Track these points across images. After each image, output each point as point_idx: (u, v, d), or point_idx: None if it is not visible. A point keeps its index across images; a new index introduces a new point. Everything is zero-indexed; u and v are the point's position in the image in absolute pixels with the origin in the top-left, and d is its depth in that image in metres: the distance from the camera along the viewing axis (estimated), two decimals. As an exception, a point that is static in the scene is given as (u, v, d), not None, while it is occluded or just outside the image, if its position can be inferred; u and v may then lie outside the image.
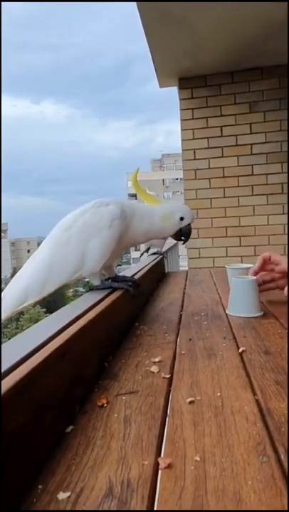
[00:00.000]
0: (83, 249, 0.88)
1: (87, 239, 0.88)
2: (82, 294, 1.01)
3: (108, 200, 0.93)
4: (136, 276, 1.20)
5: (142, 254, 2.12)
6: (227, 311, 1.01)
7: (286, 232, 2.89)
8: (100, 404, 0.53)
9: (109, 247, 0.89)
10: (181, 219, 0.97)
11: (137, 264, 1.63)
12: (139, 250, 2.21)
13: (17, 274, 0.92)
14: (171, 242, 3.36)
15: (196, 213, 1.01)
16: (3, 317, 0.85)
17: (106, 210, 0.90)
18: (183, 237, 1.01)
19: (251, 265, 1.15)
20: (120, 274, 1.30)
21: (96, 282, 0.94)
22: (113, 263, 1.04)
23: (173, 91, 3.14)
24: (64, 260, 0.88)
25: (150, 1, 1.95)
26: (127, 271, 1.37)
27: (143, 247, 2.11)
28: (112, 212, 0.89)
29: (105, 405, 0.53)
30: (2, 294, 0.89)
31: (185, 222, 0.98)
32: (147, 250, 2.11)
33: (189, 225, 1.00)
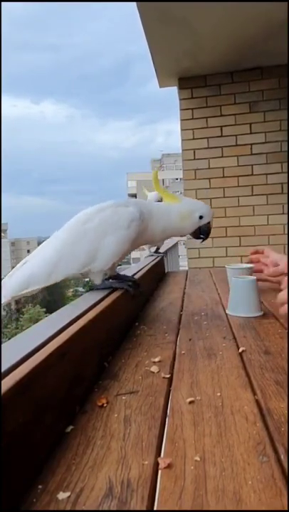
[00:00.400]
0: (97, 246, 0.88)
1: (102, 236, 0.88)
2: (82, 294, 1.01)
3: (128, 200, 0.95)
4: (136, 276, 1.20)
5: (156, 250, 2.13)
6: (227, 311, 1.01)
7: (286, 232, 2.89)
8: (99, 404, 0.53)
9: (124, 247, 0.90)
10: (200, 217, 0.97)
11: (136, 264, 1.63)
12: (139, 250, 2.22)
13: (23, 260, 0.92)
14: (170, 241, 3.36)
15: (213, 213, 1.01)
16: (3, 301, 0.85)
17: (125, 211, 0.90)
18: (202, 236, 1.01)
19: (251, 265, 1.15)
20: (121, 273, 1.30)
21: (97, 281, 0.94)
22: (118, 264, 1.04)
23: (173, 91, 3.13)
24: (76, 253, 0.88)
25: (150, 0, 1.95)
26: (127, 271, 1.37)
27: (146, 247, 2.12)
28: (132, 214, 0.90)
29: (105, 405, 0.53)
30: (3, 280, 0.89)
31: (204, 221, 0.98)
32: (157, 250, 2.12)
33: (209, 223, 1.00)
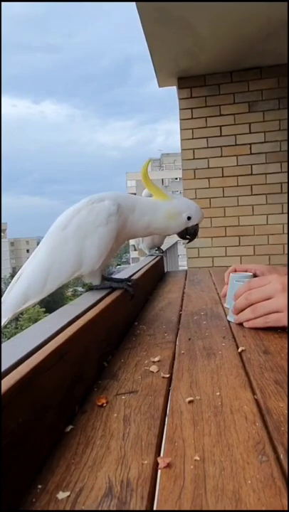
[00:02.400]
0: (80, 249, 0.86)
1: (83, 238, 0.86)
2: (81, 294, 1.01)
3: (103, 194, 0.90)
4: (135, 276, 1.20)
5: (158, 249, 2.13)
6: (228, 318, 0.96)
7: (285, 231, 2.89)
8: (99, 403, 0.53)
9: (107, 244, 0.87)
10: (189, 218, 0.93)
11: (136, 264, 1.63)
12: (136, 251, 2.22)
13: (17, 275, 0.91)
14: (170, 241, 3.36)
15: (204, 214, 0.97)
16: (4, 320, 0.85)
17: (101, 207, 0.86)
18: (188, 237, 0.97)
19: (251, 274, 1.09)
20: (118, 274, 1.30)
21: (95, 282, 0.92)
22: (110, 262, 1.02)
23: (173, 91, 3.14)
24: (62, 260, 0.86)
25: (149, 0, 1.95)
26: (127, 270, 1.37)
27: (143, 246, 2.12)
28: (108, 209, 0.86)
29: (105, 405, 0.53)
30: (3, 297, 0.88)
31: (192, 222, 0.94)
32: (158, 249, 2.12)
33: (197, 225, 0.96)
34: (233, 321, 0.90)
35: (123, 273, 1.30)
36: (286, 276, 0.81)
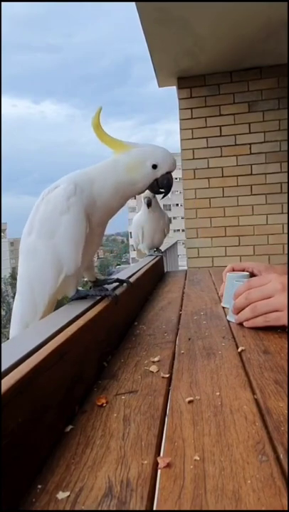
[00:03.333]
0: (52, 249, 0.74)
1: (50, 236, 0.74)
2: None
3: (57, 181, 0.78)
4: (135, 276, 1.20)
5: (157, 250, 2.13)
6: (228, 318, 0.95)
7: (285, 231, 2.89)
8: (99, 403, 0.53)
9: (80, 232, 0.74)
10: (154, 167, 0.78)
11: (136, 264, 1.63)
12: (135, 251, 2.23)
13: (16, 295, 0.84)
14: (169, 241, 3.36)
15: (175, 161, 0.82)
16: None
17: (57, 194, 0.75)
18: (162, 190, 0.83)
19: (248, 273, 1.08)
20: (117, 274, 1.30)
21: (71, 292, 0.80)
22: (93, 257, 0.89)
23: (173, 91, 3.14)
24: (40, 271, 0.76)
25: (149, 0, 1.95)
26: (126, 270, 1.37)
27: (143, 247, 2.12)
28: (64, 192, 0.74)
29: (105, 405, 0.53)
30: (10, 332, 0.82)
31: (161, 171, 0.79)
32: (157, 249, 2.13)
33: (168, 174, 0.80)
34: (234, 320, 0.90)
35: (122, 273, 1.30)
36: (286, 276, 0.81)
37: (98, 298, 0.79)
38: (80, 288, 0.82)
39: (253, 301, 0.83)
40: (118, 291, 0.84)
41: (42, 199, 0.77)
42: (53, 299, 0.80)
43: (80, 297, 0.80)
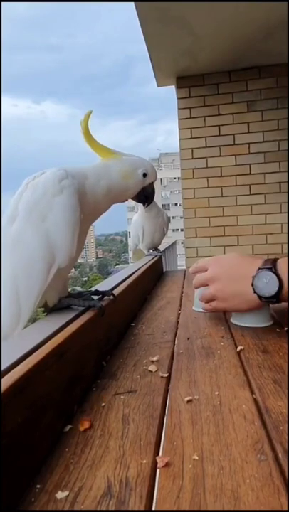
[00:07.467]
0: (44, 234, 0.65)
1: (42, 219, 0.65)
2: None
3: (43, 170, 0.72)
4: (135, 276, 1.20)
5: (156, 249, 2.14)
6: (232, 320, 0.92)
7: (284, 231, 2.90)
8: (82, 429, 0.53)
9: (75, 216, 0.67)
10: (144, 175, 0.81)
11: (135, 264, 1.63)
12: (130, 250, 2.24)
13: None
14: (168, 241, 3.36)
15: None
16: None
17: (46, 177, 0.69)
18: (146, 198, 0.86)
19: None
20: (117, 274, 1.30)
21: (53, 299, 0.71)
22: (76, 261, 0.78)
23: (173, 90, 3.14)
24: (27, 263, 0.65)
25: (148, 0, 1.95)
26: (126, 270, 1.37)
27: (142, 247, 2.13)
28: (55, 176, 0.68)
29: (103, 405, 0.53)
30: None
31: (148, 180, 0.82)
32: (155, 249, 2.13)
33: (152, 183, 0.85)
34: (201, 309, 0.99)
35: (122, 273, 1.30)
36: (222, 259, 0.88)
37: (82, 309, 0.71)
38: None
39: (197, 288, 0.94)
40: (105, 302, 0.76)
41: (26, 185, 0.69)
42: (40, 302, 0.68)
43: (61, 307, 0.72)
